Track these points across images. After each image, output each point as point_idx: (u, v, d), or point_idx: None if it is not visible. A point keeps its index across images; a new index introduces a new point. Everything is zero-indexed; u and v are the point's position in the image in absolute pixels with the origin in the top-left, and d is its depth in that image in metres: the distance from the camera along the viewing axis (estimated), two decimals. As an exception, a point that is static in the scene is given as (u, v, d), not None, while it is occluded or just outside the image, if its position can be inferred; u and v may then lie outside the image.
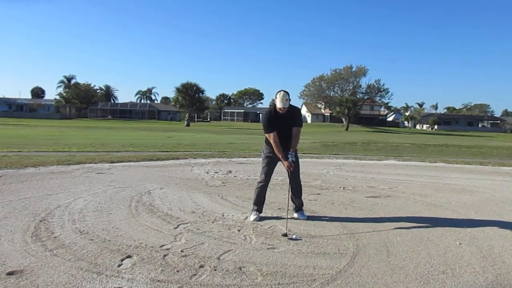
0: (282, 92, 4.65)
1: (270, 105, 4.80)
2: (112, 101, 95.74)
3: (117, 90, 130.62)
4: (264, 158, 5.01)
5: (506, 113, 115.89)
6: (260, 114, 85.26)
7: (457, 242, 4.22)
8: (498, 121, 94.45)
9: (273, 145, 4.73)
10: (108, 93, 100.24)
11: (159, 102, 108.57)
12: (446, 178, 8.96)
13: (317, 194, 6.65)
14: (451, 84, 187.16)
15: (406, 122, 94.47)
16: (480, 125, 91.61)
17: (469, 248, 4.05)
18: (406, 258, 3.71)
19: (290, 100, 4.68)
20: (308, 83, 70.54)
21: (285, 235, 4.22)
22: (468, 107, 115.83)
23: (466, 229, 4.75)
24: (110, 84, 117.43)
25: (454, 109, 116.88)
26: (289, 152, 4.74)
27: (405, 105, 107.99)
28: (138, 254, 3.55)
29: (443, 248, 4.04)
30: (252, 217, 4.85)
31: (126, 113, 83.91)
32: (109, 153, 11.81)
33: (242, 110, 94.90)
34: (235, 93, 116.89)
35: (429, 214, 5.53)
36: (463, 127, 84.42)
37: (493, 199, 6.75)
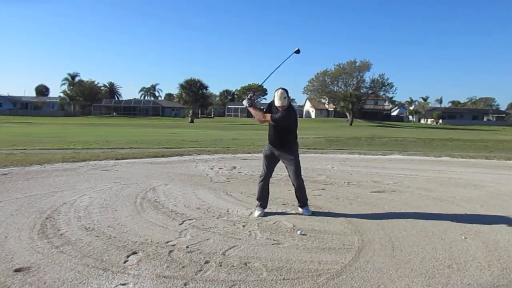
0: (280, 90, 4.67)
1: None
2: (116, 98, 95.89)
3: (121, 87, 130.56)
4: (264, 153, 5.09)
5: (511, 106, 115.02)
6: (264, 110, 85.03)
7: (463, 237, 4.21)
8: (504, 115, 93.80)
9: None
10: (112, 90, 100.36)
11: (163, 98, 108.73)
12: (451, 172, 8.93)
13: (322, 189, 6.65)
14: (456, 78, 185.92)
15: (410, 117, 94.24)
16: (485, 119, 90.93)
17: (475, 243, 4.04)
18: (411, 252, 3.70)
19: (288, 97, 4.70)
20: (312, 78, 70.41)
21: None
22: (473, 100, 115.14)
23: (471, 223, 4.73)
24: (114, 81, 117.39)
25: (459, 103, 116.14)
26: (248, 98, 5.00)
27: (409, 99, 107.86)
28: (143, 251, 3.57)
29: (448, 242, 4.03)
30: (257, 212, 4.86)
31: (130, 110, 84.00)
32: (114, 150, 11.84)
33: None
34: (238, 89, 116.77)
35: (434, 208, 5.52)
36: (468, 121, 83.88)
37: (498, 193, 6.72)
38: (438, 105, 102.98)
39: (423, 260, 3.53)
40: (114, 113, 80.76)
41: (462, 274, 3.24)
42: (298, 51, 5.04)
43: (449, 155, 13.16)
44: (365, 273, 3.21)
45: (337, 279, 3.08)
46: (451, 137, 26.41)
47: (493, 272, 3.30)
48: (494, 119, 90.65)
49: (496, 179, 8.17)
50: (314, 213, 5.01)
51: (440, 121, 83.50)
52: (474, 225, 4.67)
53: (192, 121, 55.73)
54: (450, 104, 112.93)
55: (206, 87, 66.71)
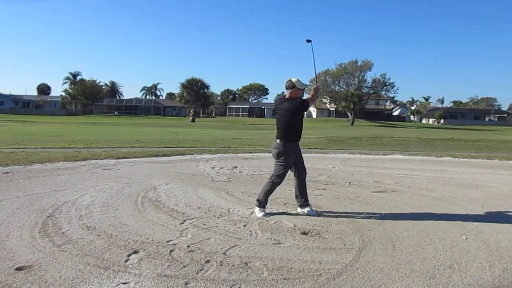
0: (293, 78, 4.86)
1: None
2: (117, 97, 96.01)
3: (122, 86, 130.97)
4: (289, 157, 4.87)
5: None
6: (266, 110, 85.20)
7: (464, 237, 4.21)
8: (505, 115, 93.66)
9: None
10: (113, 89, 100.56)
11: (164, 98, 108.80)
12: (452, 173, 8.91)
13: (323, 189, 6.64)
14: (458, 77, 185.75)
15: (412, 116, 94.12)
16: (486, 119, 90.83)
17: (476, 243, 4.03)
18: (412, 252, 3.70)
19: (288, 87, 4.83)
20: (313, 78, 70.30)
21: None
22: (475, 100, 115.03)
23: (472, 223, 4.73)
24: (115, 80, 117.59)
25: (461, 103, 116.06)
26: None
27: (411, 99, 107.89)
28: (144, 250, 3.58)
29: (449, 242, 4.03)
30: (261, 213, 4.82)
31: (132, 109, 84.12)
32: (115, 149, 11.86)
33: (247, 106, 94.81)
34: (240, 89, 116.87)
35: (435, 208, 5.52)
36: (469, 121, 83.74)
37: (499, 193, 6.71)
38: (440, 105, 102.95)
39: (424, 260, 3.52)
40: (115, 112, 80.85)
41: (463, 274, 3.24)
42: (309, 41, 5.39)
43: (451, 155, 13.15)
44: (366, 273, 3.21)
45: (338, 279, 3.08)
46: (453, 137, 26.37)
47: (494, 272, 3.30)
48: (496, 119, 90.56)
49: (498, 179, 8.16)
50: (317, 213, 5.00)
51: (442, 121, 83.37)
52: (475, 225, 4.66)
53: (193, 121, 55.77)
54: (451, 104, 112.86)
55: (207, 87, 66.61)
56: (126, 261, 3.31)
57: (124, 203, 5.30)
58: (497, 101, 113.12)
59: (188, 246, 3.69)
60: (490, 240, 4.12)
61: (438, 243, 4.01)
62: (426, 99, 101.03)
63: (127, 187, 6.31)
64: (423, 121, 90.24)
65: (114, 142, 14.86)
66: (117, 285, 2.88)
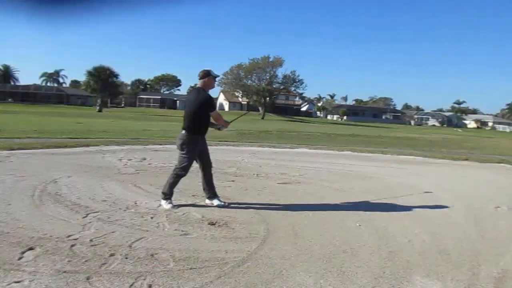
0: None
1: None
2: (12, 83, 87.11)
3: (18, 71, 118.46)
4: (194, 150, 4.91)
5: (406, 106, 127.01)
6: (178, 101, 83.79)
7: (357, 224, 4.61)
8: (399, 114, 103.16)
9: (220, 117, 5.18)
10: (6, 73, 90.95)
11: (68, 85, 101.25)
12: (352, 166, 9.64)
13: (232, 181, 6.78)
14: (360, 77, 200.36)
15: (318, 112, 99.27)
16: (384, 117, 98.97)
17: (367, 229, 4.44)
18: (312, 239, 3.97)
19: (202, 76, 4.97)
20: (227, 71, 70.56)
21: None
22: (374, 99, 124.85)
23: (365, 212, 5.19)
24: (10, 63, 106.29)
25: (362, 101, 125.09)
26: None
27: (318, 96, 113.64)
28: (41, 246, 3.36)
29: (345, 229, 4.39)
30: (168, 205, 4.78)
31: (29, 96, 76.92)
32: (8, 140, 10.80)
33: (159, 96, 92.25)
34: (151, 79, 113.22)
35: (334, 198, 5.94)
36: (369, 118, 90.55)
37: (390, 184, 7.42)
38: (344, 103, 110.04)
39: (322, 246, 3.81)
40: (9, 99, 73.37)
41: (355, 258, 3.56)
42: None
43: (351, 149, 14.16)
44: (269, 259, 3.38)
45: (242, 266, 3.21)
46: (354, 133, 28.34)
47: (381, 255, 3.68)
48: (391, 118, 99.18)
49: (389, 172, 9.02)
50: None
51: (345, 117, 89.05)
52: (368, 214, 5.13)
53: (100, 110, 52.80)
54: (354, 102, 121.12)
55: (116, 76, 63.50)
56: (19, 258, 3.09)
57: (19, 197, 4.90)
58: (392, 101, 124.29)
59: (91, 240, 3.55)
60: (379, 227, 4.57)
61: (335, 230, 4.35)
62: (332, 97, 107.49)
63: (22, 181, 5.82)
64: (329, 117, 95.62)
65: (6, 132, 13.52)
66: (9, 284, 2.68)
